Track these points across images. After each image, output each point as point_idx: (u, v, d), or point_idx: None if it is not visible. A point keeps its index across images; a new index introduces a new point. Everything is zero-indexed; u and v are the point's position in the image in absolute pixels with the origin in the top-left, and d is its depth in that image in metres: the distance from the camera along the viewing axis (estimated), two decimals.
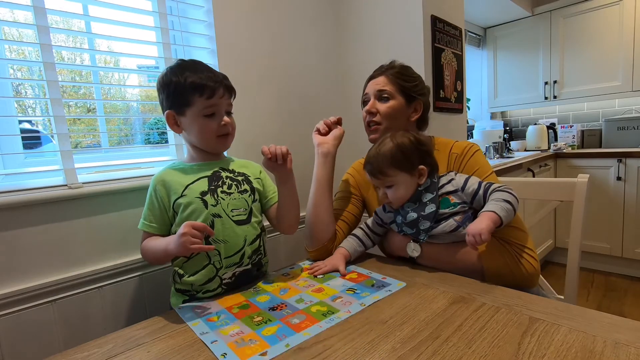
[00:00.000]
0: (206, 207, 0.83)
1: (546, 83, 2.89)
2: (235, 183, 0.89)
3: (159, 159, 1.20)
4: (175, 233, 0.84)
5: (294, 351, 0.56)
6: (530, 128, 2.99)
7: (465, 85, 1.74)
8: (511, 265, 0.80)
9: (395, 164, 0.84)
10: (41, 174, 0.98)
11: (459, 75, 1.68)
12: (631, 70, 2.51)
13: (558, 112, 3.11)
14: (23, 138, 1.02)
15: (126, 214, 1.05)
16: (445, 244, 0.85)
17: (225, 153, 1.01)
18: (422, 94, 1.01)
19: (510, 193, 0.80)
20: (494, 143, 2.65)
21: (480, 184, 0.85)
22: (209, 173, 0.87)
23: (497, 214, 0.75)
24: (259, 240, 0.91)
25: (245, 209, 0.88)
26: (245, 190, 0.90)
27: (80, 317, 0.96)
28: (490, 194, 0.82)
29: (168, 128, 1.23)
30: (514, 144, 3.05)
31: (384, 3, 1.55)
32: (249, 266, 0.88)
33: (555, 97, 2.87)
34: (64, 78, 1.12)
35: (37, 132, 1.15)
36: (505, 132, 3.23)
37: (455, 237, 0.84)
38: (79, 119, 1.27)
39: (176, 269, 0.85)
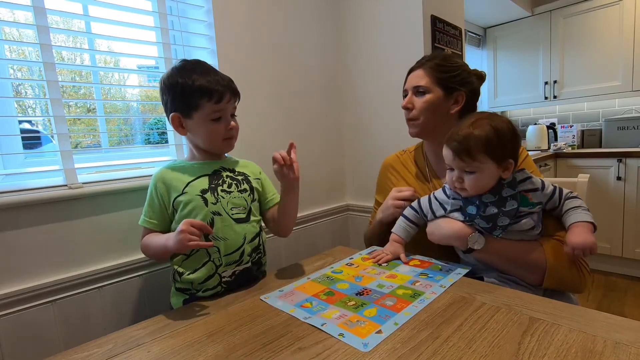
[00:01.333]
0: (206, 204, 0.83)
1: (546, 83, 2.89)
2: (235, 182, 0.90)
3: (159, 159, 1.20)
4: (174, 225, 0.85)
5: (294, 351, 0.56)
6: (530, 128, 2.99)
7: None
8: (572, 269, 0.80)
9: (488, 149, 0.76)
10: (41, 174, 0.98)
11: None
12: (631, 70, 2.51)
13: (558, 112, 3.11)
14: (23, 138, 1.02)
15: (126, 214, 1.05)
16: (510, 240, 0.81)
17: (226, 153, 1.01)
18: (464, 83, 0.96)
19: (582, 200, 0.81)
20: None
21: (555, 186, 0.83)
22: (209, 172, 0.88)
23: (594, 225, 0.76)
24: (258, 238, 0.91)
25: (245, 208, 0.89)
26: (245, 190, 0.90)
27: (80, 317, 0.96)
28: (566, 200, 0.82)
29: (168, 128, 1.24)
30: None
31: (384, 3, 1.55)
32: (249, 264, 0.88)
33: (555, 97, 2.86)
34: (64, 78, 1.12)
35: (37, 132, 1.15)
36: None
37: (524, 236, 0.81)
38: (79, 119, 1.27)
39: (176, 267, 0.85)
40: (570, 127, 2.87)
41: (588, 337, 0.54)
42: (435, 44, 1.51)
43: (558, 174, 2.69)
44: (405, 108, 0.98)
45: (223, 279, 0.84)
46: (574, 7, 2.70)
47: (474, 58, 3.25)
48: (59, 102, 0.96)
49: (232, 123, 0.88)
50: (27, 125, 1.15)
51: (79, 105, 1.29)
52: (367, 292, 0.73)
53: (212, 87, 0.82)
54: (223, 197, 0.86)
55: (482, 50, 3.25)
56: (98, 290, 0.99)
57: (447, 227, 0.85)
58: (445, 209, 0.87)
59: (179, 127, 0.87)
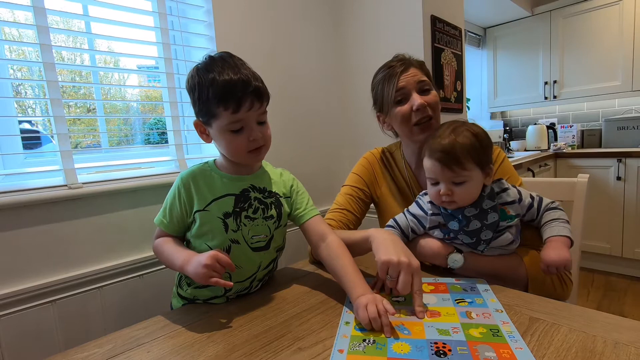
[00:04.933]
0: (226, 230, 0.76)
1: (546, 83, 2.89)
2: (262, 207, 0.80)
3: (159, 159, 1.20)
4: (189, 236, 0.80)
5: (294, 351, 0.56)
6: (530, 128, 2.99)
7: (465, 85, 1.74)
8: (554, 279, 0.80)
9: (474, 156, 0.74)
10: (41, 174, 0.98)
11: (459, 75, 1.68)
12: (631, 70, 2.51)
13: (558, 112, 3.11)
14: (23, 138, 1.02)
15: (126, 214, 1.05)
16: (490, 257, 0.80)
17: None
18: None
19: (564, 211, 0.80)
20: (494, 143, 2.65)
21: (532, 196, 0.81)
22: (237, 191, 0.78)
23: (571, 239, 0.75)
24: (273, 263, 0.86)
25: (266, 236, 0.80)
26: (271, 217, 0.81)
27: (80, 317, 0.96)
28: (545, 211, 0.81)
29: (168, 128, 1.23)
30: (514, 144, 3.05)
31: (384, 3, 1.55)
32: (258, 287, 0.84)
33: (555, 97, 2.86)
34: (64, 78, 1.12)
35: (37, 132, 1.15)
36: (505, 132, 3.23)
37: (502, 250, 0.79)
38: (79, 119, 1.27)
39: (183, 276, 0.81)
40: (570, 127, 2.87)
41: (588, 337, 0.54)
42: (435, 44, 1.51)
43: (558, 174, 2.70)
44: (423, 107, 0.86)
45: (229, 298, 0.81)
46: (574, 7, 2.70)
47: (473, 58, 3.25)
48: (58, 102, 0.96)
49: (256, 133, 0.74)
50: (27, 125, 1.15)
51: (79, 105, 1.29)
52: (442, 347, 0.54)
53: (227, 95, 0.69)
54: (245, 225, 0.77)
55: (482, 50, 3.25)
56: (98, 290, 0.99)
57: (426, 247, 0.82)
58: (424, 226, 0.83)
59: (202, 135, 0.78)
